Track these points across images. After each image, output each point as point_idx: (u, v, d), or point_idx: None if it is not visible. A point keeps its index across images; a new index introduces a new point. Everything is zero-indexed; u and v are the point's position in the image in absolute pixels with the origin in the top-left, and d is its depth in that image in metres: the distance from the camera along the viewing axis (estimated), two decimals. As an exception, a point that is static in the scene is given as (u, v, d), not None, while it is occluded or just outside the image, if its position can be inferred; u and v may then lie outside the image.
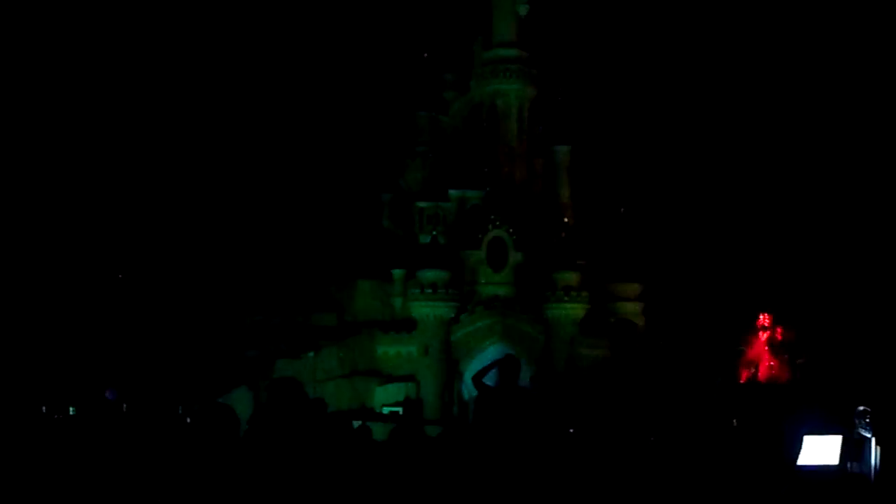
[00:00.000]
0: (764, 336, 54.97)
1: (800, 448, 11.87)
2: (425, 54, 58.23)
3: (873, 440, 11.96)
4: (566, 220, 53.89)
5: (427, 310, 50.15)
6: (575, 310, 51.03)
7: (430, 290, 50.13)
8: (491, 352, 47.67)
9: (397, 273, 52.56)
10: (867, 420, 12.02)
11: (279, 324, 53.28)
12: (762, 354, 54.28)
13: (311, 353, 49.72)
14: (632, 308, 53.61)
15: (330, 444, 12.61)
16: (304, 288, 56.08)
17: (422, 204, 53.90)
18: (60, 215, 65.33)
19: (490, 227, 52.51)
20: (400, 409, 47.26)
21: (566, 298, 50.74)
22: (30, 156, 67.15)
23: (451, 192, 53.77)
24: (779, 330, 56.85)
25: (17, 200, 63.06)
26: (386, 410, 46.80)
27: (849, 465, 12.25)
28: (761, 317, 55.51)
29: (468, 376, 41.98)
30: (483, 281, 52.15)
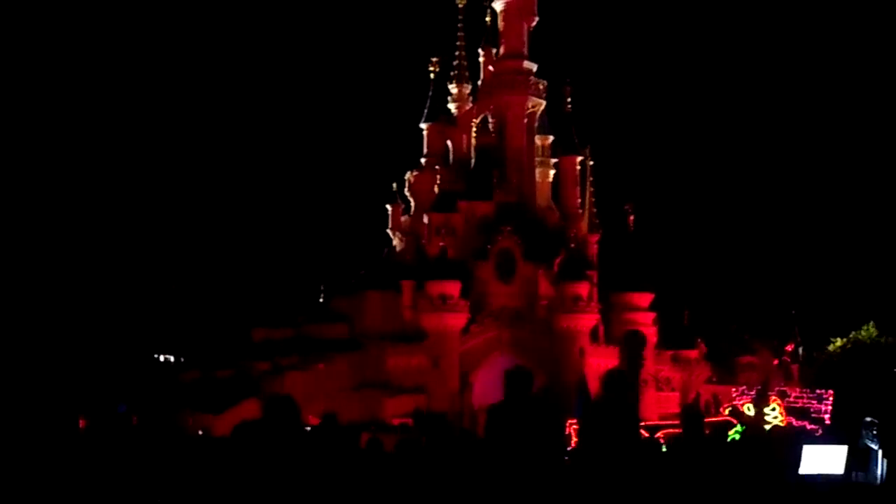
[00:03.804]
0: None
1: (800, 457, 11.82)
2: (433, 64, 58.22)
3: (880, 452, 11.86)
4: (576, 230, 53.86)
5: (436, 321, 50.02)
6: (585, 320, 50.91)
7: (439, 302, 50.03)
8: (500, 363, 47.63)
9: (406, 284, 52.47)
10: (874, 431, 11.93)
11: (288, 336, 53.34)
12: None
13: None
14: (643, 318, 53.52)
15: (340, 457, 12.61)
16: (312, 300, 56.18)
17: (431, 215, 53.89)
18: (66, 228, 65.54)
19: (499, 238, 52.42)
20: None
21: (576, 309, 50.60)
22: (35, 172, 67.37)
23: (460, 203, 53.70)
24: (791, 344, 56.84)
25: (23, 214, 63.29)
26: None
27: (854, 475, 12.17)
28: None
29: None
30: (492, 292, 52.08)
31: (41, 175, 68.62)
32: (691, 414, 11.65)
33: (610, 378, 10.42)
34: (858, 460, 12.22)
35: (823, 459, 12.16)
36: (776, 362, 54.36)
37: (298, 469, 9.28)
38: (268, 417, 9.35)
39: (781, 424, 40.97)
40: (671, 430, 30.36)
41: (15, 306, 55.21)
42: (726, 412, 42.14)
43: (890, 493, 11.45)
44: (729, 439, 32.81)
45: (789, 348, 56.12)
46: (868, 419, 12.24)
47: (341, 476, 11.41)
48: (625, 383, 10.26)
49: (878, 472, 12.02)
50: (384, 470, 12.48)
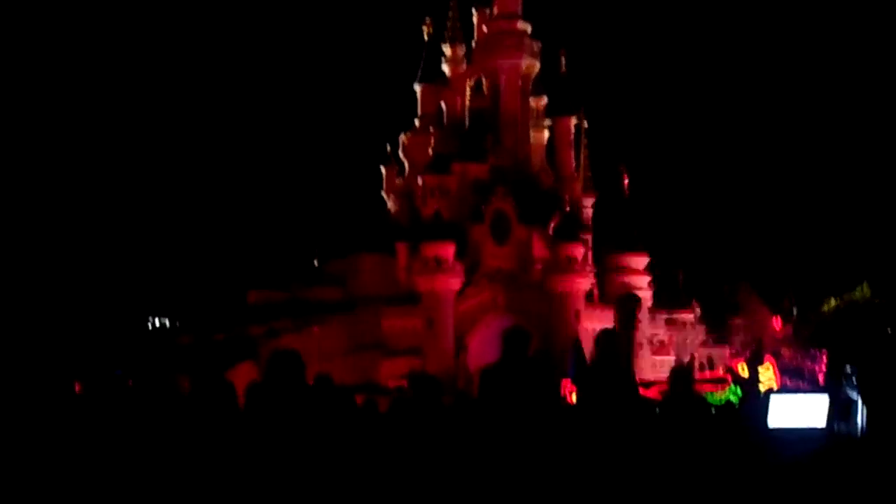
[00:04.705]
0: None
1: (767, 408, 11.78)
2: (427, 25, 57.81)
3: (860, 400, 11.83)
4: (570, 191, 53.80)
5: (431, 283, 50.03)
6: (580, 282, 50.95)
7: (433, 264, 50.01)
8: (495, 325, 47.67)
9: (401, 247, 52.45)
10: (854, 380, 11.90)
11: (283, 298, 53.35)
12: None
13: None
14: (638, 280, 53.60)
15: (335, 418, 12.61)
16: (306, 262, 56.16)
17: (425, 177, 53.77)
18: (59, 192, 65.43)
19: (493, 199, 52.34)
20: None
21: (571, 271, 50.62)
22: (25, 139, 67.16)
23: (454, 165, 53.58)
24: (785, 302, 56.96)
25: (15, 179, 63.12)
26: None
27: (836, 425, 12.17)
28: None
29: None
30: (487, 254, 52.08)
31: (32, 142, 68.34)
32: (679, 373, 11.60)
33: (604, 338, 10.34)
34: (840, 411, 12.18)
35: (803, 411, 12.12)
36: (774, 325, 54.45)
37: (295, 427, 9.25)
38: (271, 372, 9.31)
39: (774, 385, 41.15)
40: (665, 387, 30.42)
41: (9, 273, 55.14)
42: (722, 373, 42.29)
43: (870, 442, 11.42)
44: (724, 399, 33.04)
45: (777, 324, 56.16)
46: (848, 368, 12.19)
47: (336, 436, 11.43)
48: (619, 342, 10.22)
49: (859, 422, 11.99)
50: (379, 430, 12.46)
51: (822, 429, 11.94)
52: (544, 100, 57.86)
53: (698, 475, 10.02)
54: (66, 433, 11.26)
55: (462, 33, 58.45)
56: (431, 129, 56.08)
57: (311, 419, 9.59)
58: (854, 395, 12.07)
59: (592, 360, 10.31)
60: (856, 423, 11.99)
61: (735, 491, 10.27)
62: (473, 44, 57.81)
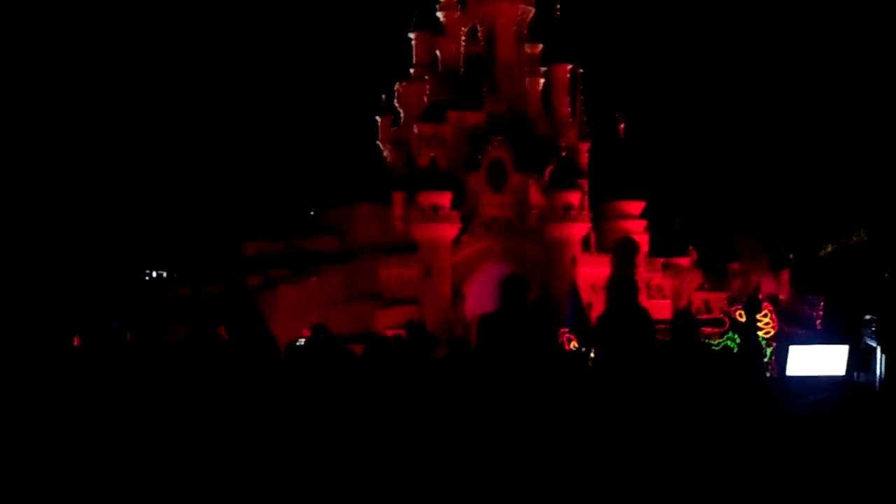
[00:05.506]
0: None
1: (785, 358, 11.78)
2: None
3: (879, 349, 11.83)
4: (566, 138, 53.60)
5: (428, 232, 49.95)
6: (576, 229, 50.90)
7: (430, 213, 49.91)
8: (492, 273, 47.60)
9: (397, 196, 52.27)
10: (873, 329, 11.88)
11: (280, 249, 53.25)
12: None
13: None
14: (634, 226, 53.50)
15: (332, 367, 12.61)
16: (303, 212, 56.01)
17: (421, 125, 53.50)
18: (55, 147, 65.13)
19: (489, 147, 52.16)
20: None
21: (567, 218, 50.57)
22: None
23: (450, 113, 53.28)
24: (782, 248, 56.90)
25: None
26: None
27: (855, 375, 12.19)
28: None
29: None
30: (483, 202, 51.97)
31: (25, 93, 67.88)
32: (684, 316, 11.55)
33: (617, 283, 10.28)
34: (861, 360, 12.19)
35: (823, 360, 12.12)
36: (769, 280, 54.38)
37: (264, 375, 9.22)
38: (233, 327, 9.30)
39: (772, 331, 41.12)
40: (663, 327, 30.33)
41: (5, 227, 55.00)
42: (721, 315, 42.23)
43: (889, 391, 11.45)
44: (722, 345, 33.11)
45: (771, 282, 55.98)
46: (867, 317, 12.15)
47: (332, 384, 11.42)
48: (634, 288, 10.17)
49: (878, 370, 12.00)
50: (381, 375, 12.46)
51: (842, 376, 11.96)
52: (539, 46, 57.36)
53: (704, 420, 10.02)
54: (65, 385, 11.24)
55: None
56: (426, 78, 55.69)
57: (271, 366, 9.57)
58: (873, 342, 12.04)
59: (608, 306, 10.26)
60: (875, 373, 11.98)
61: (741, 436, 10.28)
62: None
